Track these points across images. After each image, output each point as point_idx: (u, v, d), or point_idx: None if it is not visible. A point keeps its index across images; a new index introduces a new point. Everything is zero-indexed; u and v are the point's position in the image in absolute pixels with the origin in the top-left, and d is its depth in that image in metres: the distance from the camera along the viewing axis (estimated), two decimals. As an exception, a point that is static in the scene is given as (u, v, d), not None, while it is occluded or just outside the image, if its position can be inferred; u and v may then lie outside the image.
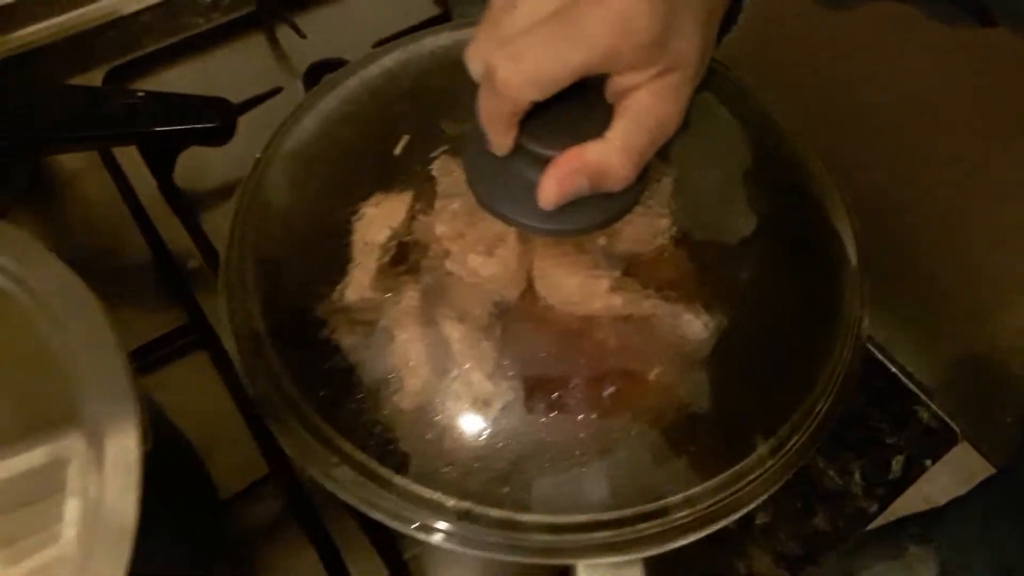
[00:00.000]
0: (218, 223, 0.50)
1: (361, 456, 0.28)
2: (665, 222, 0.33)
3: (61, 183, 0.53)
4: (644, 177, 0.29)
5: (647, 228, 0.33)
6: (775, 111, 0.39)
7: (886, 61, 0.49)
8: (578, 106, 0.26)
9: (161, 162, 0.50)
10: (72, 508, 0.22)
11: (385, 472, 0.28)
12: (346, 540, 0.39)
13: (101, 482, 0.22)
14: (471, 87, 0.27)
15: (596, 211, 0.28)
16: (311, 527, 0.40)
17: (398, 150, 0.34)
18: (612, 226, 0.32)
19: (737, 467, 0.29)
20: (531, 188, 0.27)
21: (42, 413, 0.23)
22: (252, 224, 0.34)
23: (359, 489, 0.27)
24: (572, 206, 0.27)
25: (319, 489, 0.41)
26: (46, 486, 0.22)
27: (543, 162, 0.26)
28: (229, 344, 0.31)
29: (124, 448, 0.22)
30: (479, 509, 0.27)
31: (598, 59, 0.25)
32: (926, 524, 0.62)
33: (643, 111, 0.27)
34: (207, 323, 0.46)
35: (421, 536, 0.27)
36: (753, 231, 0.34)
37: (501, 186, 0.28)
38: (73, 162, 0.54)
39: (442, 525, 0.27)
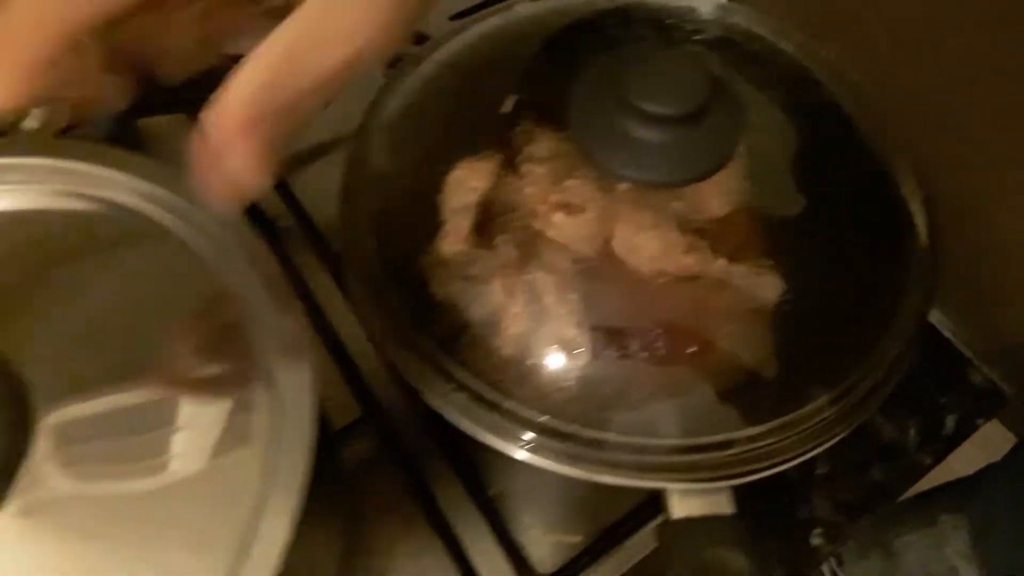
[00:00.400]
0: (307, 185, 0.53)
1: (474, 383, 0.31)
2: (737, 187, 0.35)
3: (151, 145, 0.57)
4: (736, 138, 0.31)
5: (720, 193, 0.35)
6: (850, 80, 0.41)
7: (943, 42, 0.50)
8: (683, 64, 0.29)
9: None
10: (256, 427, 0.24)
11: (495, 397, 0.31)
12: (435, 476, 0.43)
13: (281, 407, 0.24)
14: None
15: (692, 165, 0.30)
16: (402, 464, 0.43)
17: (508, 107, 0.36)
18: (687, 194, 0.34)
19: (797, 413, 0.32)
20: (637, 144, 0.29)
21: (218, 350, 0.26)
22: (362, 181, 0.38)
23: (472, 411, 0.31)
24: (670, 160, 0.30)
25: (409, 431, 0.44)
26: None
27: (651, 119, 0.29)
28: (349, 285, 0.34)
29: (299, 381, 0.25)
30: (580, 431, 0.30)
31: None
32: (959, 493, 0.64)
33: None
34: (301, 277, 0.49)
35: (527, 454, 0.30)
36: (822, 195, 0.36)
37: (607, 142, 0.31)
38: (160, 125, 0.57)
39: (547, 443, 0.30)
